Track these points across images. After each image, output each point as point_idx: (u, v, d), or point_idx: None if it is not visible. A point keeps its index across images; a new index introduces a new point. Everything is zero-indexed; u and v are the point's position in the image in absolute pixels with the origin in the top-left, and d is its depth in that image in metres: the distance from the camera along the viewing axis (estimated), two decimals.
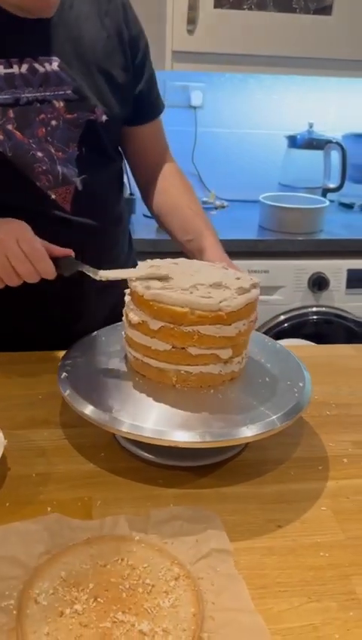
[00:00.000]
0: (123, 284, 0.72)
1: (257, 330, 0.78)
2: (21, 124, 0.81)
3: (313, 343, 1.44)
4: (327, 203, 1.77)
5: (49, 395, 0.79)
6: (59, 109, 0.83)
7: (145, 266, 0.72)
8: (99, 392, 0.67)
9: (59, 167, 0.85)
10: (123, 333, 0.73)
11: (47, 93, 0.82)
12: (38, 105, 0.82)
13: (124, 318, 0.72)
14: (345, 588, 0.52)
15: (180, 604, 0.49)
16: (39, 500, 0.62)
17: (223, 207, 1.95)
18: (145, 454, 0.68)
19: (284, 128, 1.98)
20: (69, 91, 0.83)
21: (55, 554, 0.54)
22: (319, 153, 1.92)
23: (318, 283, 1.66)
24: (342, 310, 1.72)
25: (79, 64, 0.84)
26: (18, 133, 0.81)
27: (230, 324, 0.65)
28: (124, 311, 0.72)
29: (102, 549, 0.55)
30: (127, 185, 1.31)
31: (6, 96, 0.79)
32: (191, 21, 1.62)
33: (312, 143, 1.91)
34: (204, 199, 1.97)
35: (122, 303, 0.73)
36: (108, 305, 0.93)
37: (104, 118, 0.86)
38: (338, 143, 1.87)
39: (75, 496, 0.62)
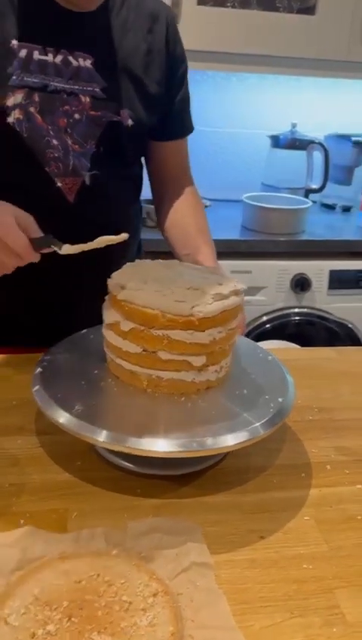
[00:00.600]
0: None
1: None
2: (44, 110, 0.81)
3: (296, 345, 1.43)
4: (310, 204, 1.77)
5: (24, 401, 0.75)
6: (85, 104, 0.84)
7: (130, 267, 0.70)
8: (72, 396, 0.65)
9: (71, 158, 0.85)
10: None
11: (76, 87, 0.83)
12: (65, 96, 0.82)
13: None
14: (329, 602, 0.51)
15: (158, 622, 0.47)
16: (11, 512, 0.59)
17: (206, 206, 1.93)
18: (124, 463, 0.65)
19: (267, 128, 1.97)
20: (97, 89, 0.84)
21: (27, 570, 0.52)
22: (302, 153, 1.91)
23: (301, 284, 1.66)
24: (323, 311, 1.71)
25: (113, 67, 0.85)
26: (39, 117, 0.82)
27: (203, 331, 0.63)
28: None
29: (77, 565, 0.53)
30: None
31: (35, 80, 0.81)
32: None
33: (295, 143, 1.90)
34: None
35: None
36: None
37: (130, 122, 0.86)
38: (320, 144, 1.87)
39: (50, 507, 0.60)
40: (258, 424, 0.61)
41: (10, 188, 0.81)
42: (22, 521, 0.58)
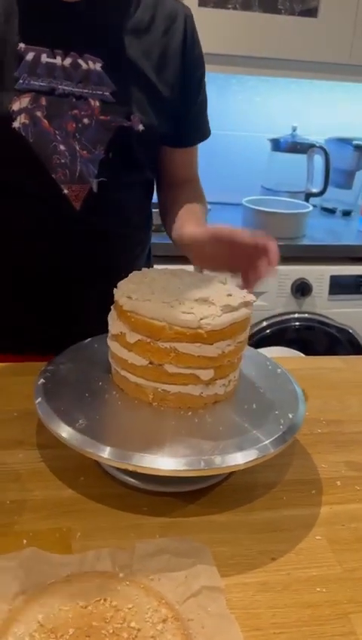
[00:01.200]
0: None
1: None
2: (51, 114, 0.79)
3: (297, 352, 1.41)
4: (311, 208, 1.76)
5: (25, 412, 0.73)
6: (94, 109, 0.81)
7: (137, 276, 0.68)
8: (76, 409, 0.63)
9: (78, 165, 0.82)
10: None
11: (85, 91, 0.80)
12: (74, 100, 0.80)
13: None
14: (345, 628, 0.49)
15: None
16: (14, 531, 0.57)
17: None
18: (129, 479, 0.63)
19: (268, 131, 1.95)
20: (107, 93, 0.81)
21: (31, 594, 0.50)
22: (302, 157, 1.90)
23: (301, 289, 1.64)
24: (324, 316, 1.70)
25: (124, 70, 0.82)
26: (45, 122, 0.79)
27: (211, 344, 0.61)
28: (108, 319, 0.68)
29: (84, 588, 0.50)
30: None
31: (42, 84, 0.78)
32: None
33: (296, 146, 1.89)
34: None
35: None
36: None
37: (140, 127, 0.83)
38: (321, 147, 1.86)
39: (53, 526, 0.58)
40: (267, 442, 0.59)
41: (15, 195, 0.80)
42: (25, 541, 0.56)
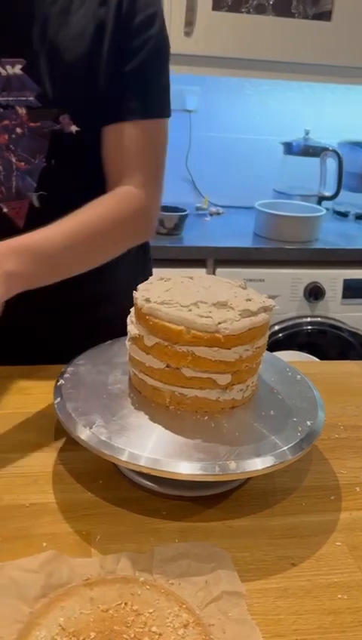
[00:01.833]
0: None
1: None
2: None
3: (311, 356, 1.41)
4: (324, 211, 1.75)
5: (43, 415, 0.74)
6: (22, 117, 0.75)
7: (157, 279, 0.68)
8: (93, 410, 0.63)
9: (14, 179, 0.77)
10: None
11: (10, 99, 0.75)
12: (2, 110, 0.75)
13: None
14: None
15: None
16: (33, 534, 0.57)
17: (218, 213, 1.92)
18: (147, 483, 0.63)
19: (280, 134, 1.95)
20: (31, 98, 0.75)
21: (52, 598, 0.50)
22: (315, 160, 1.90)
23: (314, 293, 1.64)
24: (337, 320, 1.70)
25: (50, 66, 0.74)
26: None
27: (229, 349, 0.61)
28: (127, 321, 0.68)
29: (104, 592, 0.51)
30: None
31: None
32: (189, 23, 1.59)
33: (308, 150, 1.89)
34: (198, 205, 1.94)
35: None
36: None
37: (73, 128, 0.76)
38: (334, 151, 1.85)
39: (72, 529, 0.58)
40: (285, 448, 0.59)
41: None
42: (44, 544, 0.56)
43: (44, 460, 0.67)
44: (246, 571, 0.54)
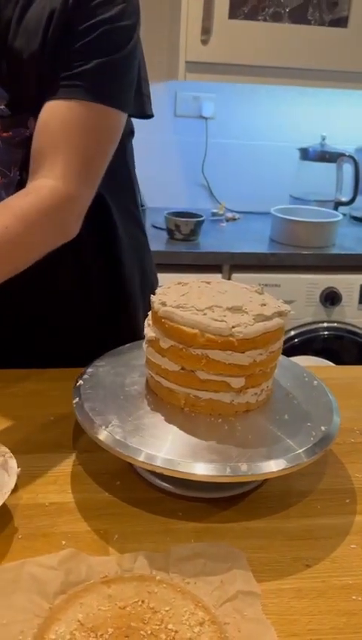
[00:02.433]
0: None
1: None
2: None
3: (327, 361, 1.41)
4: (340, 217, 1.75)
5: (62, 417, 0.75)
6: None
7: (174, 283, 0.69)
8: (111, 411, 0.64)
9: None
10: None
11: None
12: None
13: None
14: None
15: None
16: (53, 532, 0.58)
17: (234, 219, 1.93)
18: (164, 484, 0.65)
19: (296, 140, 1.96)
20: (2, 106, 0.71)
21: (71, 594, 0.51)
22: (331, 166, 1.90)
23: (331, 298, 1.64)
24: (353, 326, 1.69)
25: (11, 69, 0.70)
26: None
27: (243, 352, 0.62)
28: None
29: (122, 589, 0.52)
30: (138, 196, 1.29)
31: None
32: (206, 31, 1.61)
33: (325, 155, 1.89)
34: (214, 210, 1.95)
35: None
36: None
37: None
38: (351, 156, 1.85)
39: (91, 528, 0.59)
40: (301, 451, 0.60)
41: None
42: (63, 542, 0.57)
43: (62, 460, 0.68)
44: (261, 572, 0.54)
